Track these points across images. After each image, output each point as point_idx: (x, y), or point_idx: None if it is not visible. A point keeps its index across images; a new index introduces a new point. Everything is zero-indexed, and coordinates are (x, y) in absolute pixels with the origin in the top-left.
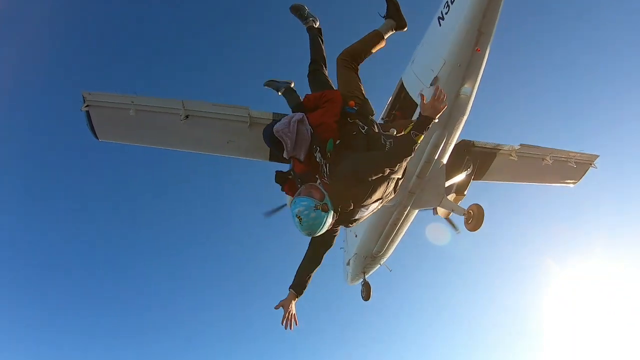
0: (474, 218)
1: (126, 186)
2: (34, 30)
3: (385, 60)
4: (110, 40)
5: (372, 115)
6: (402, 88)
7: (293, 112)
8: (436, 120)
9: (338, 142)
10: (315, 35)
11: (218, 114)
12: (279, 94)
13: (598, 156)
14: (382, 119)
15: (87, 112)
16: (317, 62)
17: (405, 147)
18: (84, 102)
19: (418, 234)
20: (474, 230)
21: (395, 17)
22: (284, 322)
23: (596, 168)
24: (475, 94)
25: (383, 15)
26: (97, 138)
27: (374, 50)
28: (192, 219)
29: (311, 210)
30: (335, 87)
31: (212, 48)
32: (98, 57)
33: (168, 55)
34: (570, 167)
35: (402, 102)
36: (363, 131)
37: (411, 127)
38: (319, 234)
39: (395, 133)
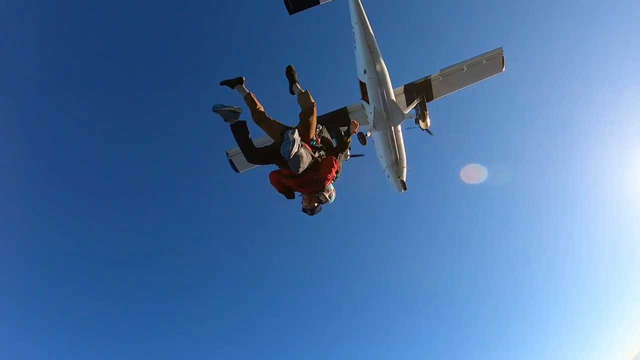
0: (422, 117)
1: None
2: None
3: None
4: None
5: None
6: (360, 82)
7: (241, 149)
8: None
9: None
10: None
11: None
12: (227, 122)
13: (501, 47)
14: (360, 98)
15: (231, 160)
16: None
17: (346, 142)
18: (228, 155)
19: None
20: (426, 124)
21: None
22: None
23: (505, 55)
24: (385, 66)
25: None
26: (238, 171)
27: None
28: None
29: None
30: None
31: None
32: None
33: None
34: (485, 64)
35: (363, 87)
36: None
37: (348, 138)
38: None
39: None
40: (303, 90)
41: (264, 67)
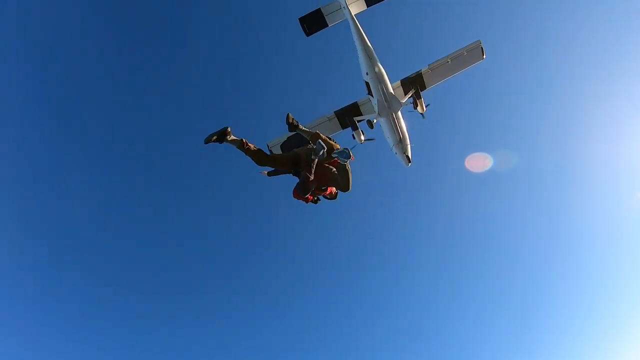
0: (418, 104)
1: None
2: None
3: (358, 78)
4: None
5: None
6: (365, 82)
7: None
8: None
9: None
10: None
11: (317, 122)
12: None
13: (479, 40)
14: (367, 93)
15: (270, 150)
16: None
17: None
18: (268, 147)
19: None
20: (422, 109)
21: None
22: None
23: (483, 45)
24: (383, 69)
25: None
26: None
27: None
28: None
29: None
30: None
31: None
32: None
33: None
34: (466, 56)
35: (368, 85)
36: None
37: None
38: None
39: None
40: (313, 132)
41: (284, 78)
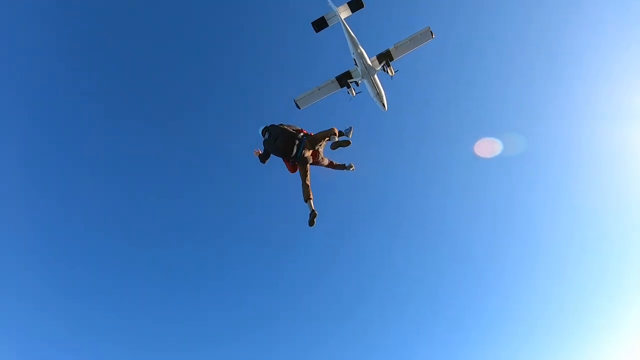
0: (388, 70)
1: None
2: None
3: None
4: None
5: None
6: (353, 58)
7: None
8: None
9: None
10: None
11: (325, 84)
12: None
13: (428, 26)
14: (354, 65)
15: (296, 102)
16: None
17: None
18: (295, 101)
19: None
20: (391, 73)
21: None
22: None
23: (431, 31)
24: (364, 49)
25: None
26: (299, 108)
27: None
28: None
29: None
30: None
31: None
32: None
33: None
34: (419, 37)
35: (355, 60)
36: None
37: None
38: None
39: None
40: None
41: (304, 59)
